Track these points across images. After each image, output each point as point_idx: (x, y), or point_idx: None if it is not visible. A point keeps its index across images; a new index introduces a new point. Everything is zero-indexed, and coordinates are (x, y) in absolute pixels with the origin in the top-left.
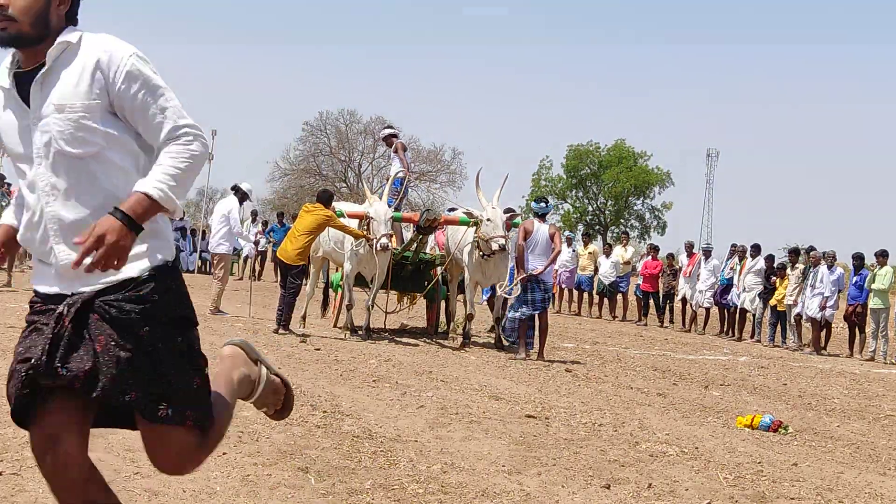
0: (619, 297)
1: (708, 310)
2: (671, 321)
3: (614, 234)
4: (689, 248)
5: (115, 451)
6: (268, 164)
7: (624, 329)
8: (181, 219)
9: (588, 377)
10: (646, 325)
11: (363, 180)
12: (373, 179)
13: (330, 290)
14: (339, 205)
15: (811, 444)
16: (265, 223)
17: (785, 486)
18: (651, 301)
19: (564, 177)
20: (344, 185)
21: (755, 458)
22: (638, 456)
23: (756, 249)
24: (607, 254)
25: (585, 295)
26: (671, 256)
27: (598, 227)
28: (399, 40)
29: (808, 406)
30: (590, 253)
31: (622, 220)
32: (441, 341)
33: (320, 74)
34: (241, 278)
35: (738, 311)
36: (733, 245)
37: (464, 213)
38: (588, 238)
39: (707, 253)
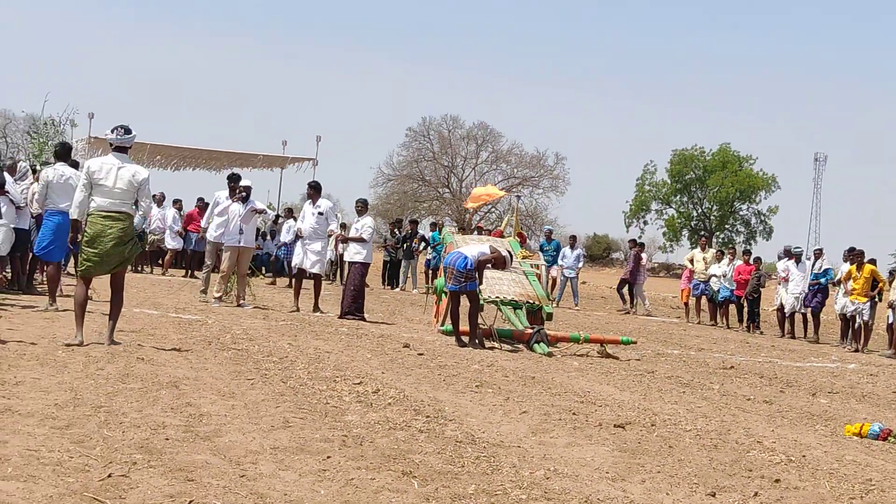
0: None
1: (804, 315)
2: (756, 327)
3: (720, 243)
4: (787, 253)
5: (220, 455)
6: (371, 170)
7: (729, 335)
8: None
9: (693, 384)
10: (748, 329)
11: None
12: (475, 185)
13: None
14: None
15: None
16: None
17: (894, 496)
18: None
19: (669, 181)
20: (447, 190)
21: (863, 466)
22: (744, 464)
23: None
24: (719, 260)
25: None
26: (758, 260)
27: (703, 232)
28: (501, 46)
29: None
30: (705, 259)
31: (727, 226)
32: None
33: (424, 80)
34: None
35: (845, 317)
36: (816, 250)
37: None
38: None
39: (798, 257)
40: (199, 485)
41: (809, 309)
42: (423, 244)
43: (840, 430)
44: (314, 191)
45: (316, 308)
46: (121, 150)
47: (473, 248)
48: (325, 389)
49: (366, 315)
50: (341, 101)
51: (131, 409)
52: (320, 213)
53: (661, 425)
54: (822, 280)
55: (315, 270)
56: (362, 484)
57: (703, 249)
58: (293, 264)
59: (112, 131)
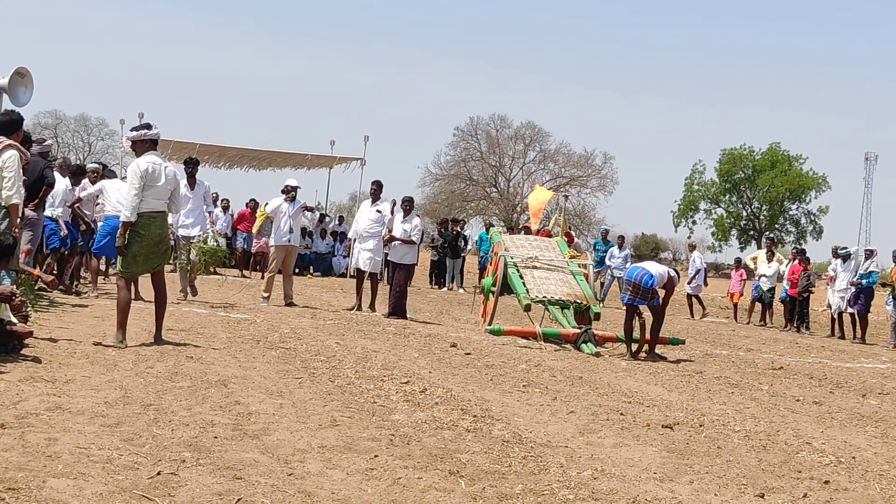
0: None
1: (852, 315)
2: (806, 327)
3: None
4: (834, 253)
5: (269, 453)
6: (418, 170)
7: (779, 336)
8: (339, 224)
9: (742, 385)
10: (797, 329)
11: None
12: (523, 185)
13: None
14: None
15: None
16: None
17: None
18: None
19: (718, 181)
20: (494, 189)
21: None
22: (793, 465)
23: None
24: (769, 260)
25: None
26: (807, 261)
27: (752, 232)
28: (549, 45)
29: None
30: (753, 258)
31: (777, 226)
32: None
33: (471, 79)
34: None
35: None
36: (867, 250)
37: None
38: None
39: (845, 257)
40: (247, 483)
41: (856, 310)
42: (462, 243)
43: (890, 432)
44: (378, 188)
45: (372, 307)
46: (155, 145)
47: (659, 267)
48: (373, 388)
49: (409, 315)
50: (389, 100)
51: (180, 408)
52: (379, 212)
53: (709, 426)
54: (864, 282)
55: (370, 269)
56: (409, 483)
57: (767, 251)
58: (352, 265)
59: (143, 128)
